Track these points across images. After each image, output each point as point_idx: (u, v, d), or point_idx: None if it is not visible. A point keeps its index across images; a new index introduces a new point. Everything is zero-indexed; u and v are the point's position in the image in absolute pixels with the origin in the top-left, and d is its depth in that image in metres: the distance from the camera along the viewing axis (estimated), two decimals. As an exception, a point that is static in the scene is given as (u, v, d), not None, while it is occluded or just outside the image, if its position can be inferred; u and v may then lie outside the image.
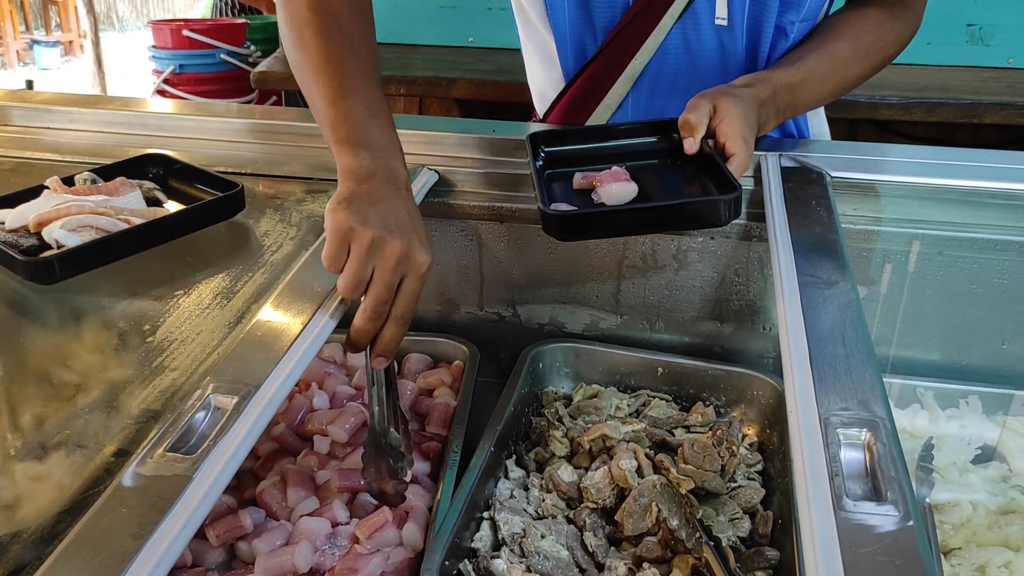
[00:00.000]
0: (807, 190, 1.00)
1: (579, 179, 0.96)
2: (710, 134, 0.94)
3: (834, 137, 1.32)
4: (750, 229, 1.09)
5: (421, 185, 1.09)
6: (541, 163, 1.02)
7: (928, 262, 1.07)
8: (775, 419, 1.01)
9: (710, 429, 0.99)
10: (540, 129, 1.06)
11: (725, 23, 1.10)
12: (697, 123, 0.92)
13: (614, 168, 0.95)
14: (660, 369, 1.11)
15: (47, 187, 0.95)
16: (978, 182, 1.07)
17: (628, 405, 1.06)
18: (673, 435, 1.00)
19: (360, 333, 0.77)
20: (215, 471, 0.58)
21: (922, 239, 1.07)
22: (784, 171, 1.04)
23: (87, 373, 0.79)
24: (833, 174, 1.06)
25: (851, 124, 1.98)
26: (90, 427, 0.71)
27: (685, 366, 1.10)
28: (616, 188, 0.91)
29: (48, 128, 1.27)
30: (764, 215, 0.96)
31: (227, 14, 3.96)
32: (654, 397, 1.09)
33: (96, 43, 5.73)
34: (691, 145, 0.93)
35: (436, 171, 1.15)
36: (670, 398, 1.09)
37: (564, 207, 0.90)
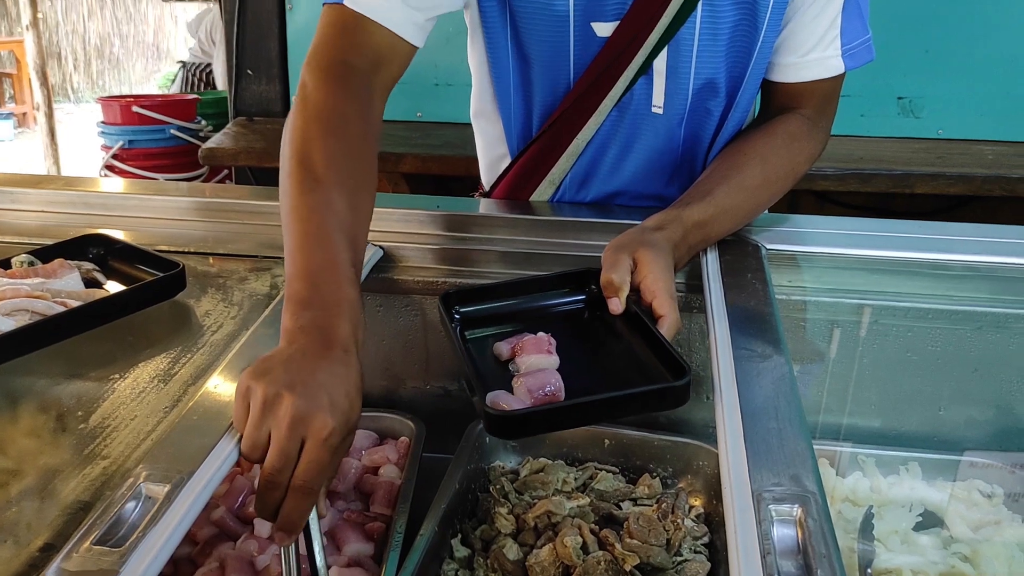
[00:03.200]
0: (743, 262, 1.03)
1: (503, 349, 0.90)
2: (633, 288, 0.90)
3: (775, 207, 1.36)
4: (690, 301, 1.11)
5: (367, 260, 1.09)
6: (458, 326, 0.95)
7: (863, 331, 1.10)
8: (721, 489, 1.01)
9: (656, 501, 0.99)
10: (452, 289, 0.98)
11: (661, 111, 1.14)
12: (620, 283, 0.89)
13: (539, 335, 0.89)
14: (607, 441, 1.11)
15: (-19, 271, 0.94)
16: (910, 253, 1.10)
17: (575, 479, 1.06)
18: (620, 508, 1.00)
19: (259, 504, 0.69)
20: (143, 565, 0.56)
21: (856, 309, 1.09)
22: (721, 244, 1.07)
23: (20, 459, 0.77)
24: (769, 246, 1.09)
25: (791, 195, 2.04)
26: (21, 518, 0.70)
27: (631, 437, 1.10)
28: (536, 360, 0.86)
29: (-13, 208, 1.26)
30: (701, 287, 0.98)
31: (195, 84, 4.00)
32: (601, 469, 1.09)
33: (49, 115, 5.72)
34: (616, 306, 0.89)
35: (381, 247, 1.15)
36: (617, 470, 1.09)
37: (502, 398, 0.81)
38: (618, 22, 1.08)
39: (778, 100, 1.18)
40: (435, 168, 2.15)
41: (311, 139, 0.92)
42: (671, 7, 1.05)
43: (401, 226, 1.18)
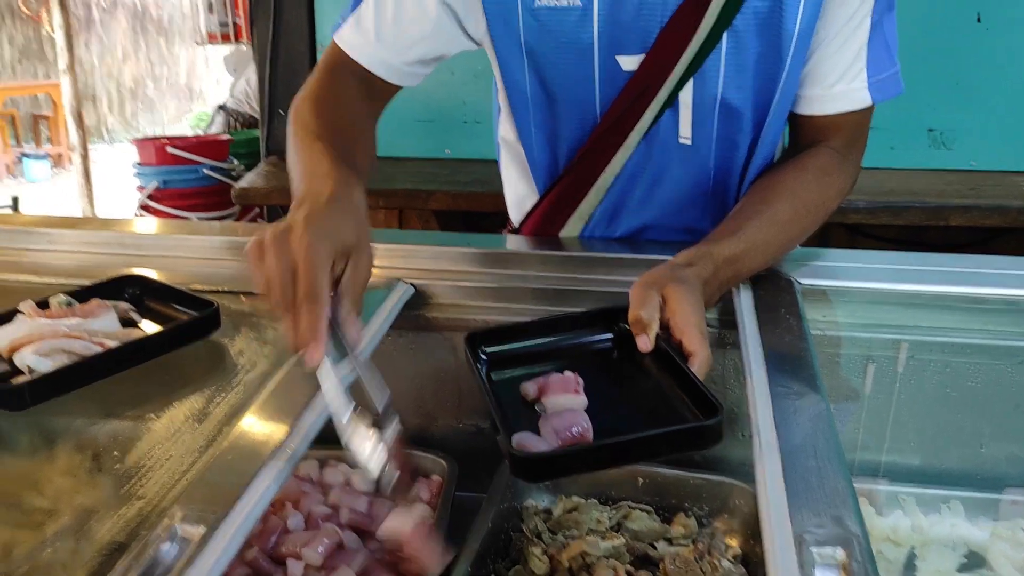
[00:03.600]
0: (777, 298, 1.02)
1: (529, 390, 0.89)
2: (663, 325, 0.89)
3: (806, 242, 1.35)
4: (723, 337, 1.10)
5: (397, 299, 1.10)
6: (484, 367, 0.95)
7: (900, 367, 1.08)
8: (758, 529, 0.99)
9: (692, 541, 0.98)
10: (478, 329, 0.99)
11: (689, 142, 1.14)
12: (649, 320, 0.87)
13: (565, 375, 0.88)
14: (641, 479, 1.10)
15: (21, 311, 0.95)
16: (945, 287, 1.09)
17: (609, 518, 1.05)
18: (655, 548, 0.98)
19: (286, 333, 0.75)
20: (178, 607, 0.56)
21: (893, 344, 1.08)
22: (753, 279, 1.06)
23: (56, 499, 0.78)
24: (802, 281, 1.08)
25: (823, 228, 2.03)
26: (57, 558, 0.70)
27: (666, 476, 1.09)
28: (563, 400, 0.85)
29: (29, 250, 1.28)
30: (735, 323, 0.97)
31: (234, 125, 4.07)
32: (635, 508, 1.07)
33: (84, 156, 5.83)
34: (645, 343, 0.88)
35: (413, 284, 1.16)
36: (651, 509, 1.08)
37: (528, 440, 0.81)
38: (643, 55, 1.08)
39: (807, 134, 1.17)
40: (464, 205, 2.17)
41: (306, 109, 1.07)
42: (696, 39, 1.06)
43: (432, 264, 1.18)
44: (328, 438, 0.76)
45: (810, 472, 0.66)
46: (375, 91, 1.18)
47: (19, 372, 0.87)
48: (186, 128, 11.81)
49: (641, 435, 0.78)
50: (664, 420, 0.82)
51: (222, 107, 4.57)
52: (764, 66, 1.09)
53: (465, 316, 1.16)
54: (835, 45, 1.09)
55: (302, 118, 1.05)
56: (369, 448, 0.73)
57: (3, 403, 0.83)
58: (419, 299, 1.16)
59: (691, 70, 1.08)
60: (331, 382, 0.75)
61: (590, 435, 0.81)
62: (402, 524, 0.76)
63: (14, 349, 0.87)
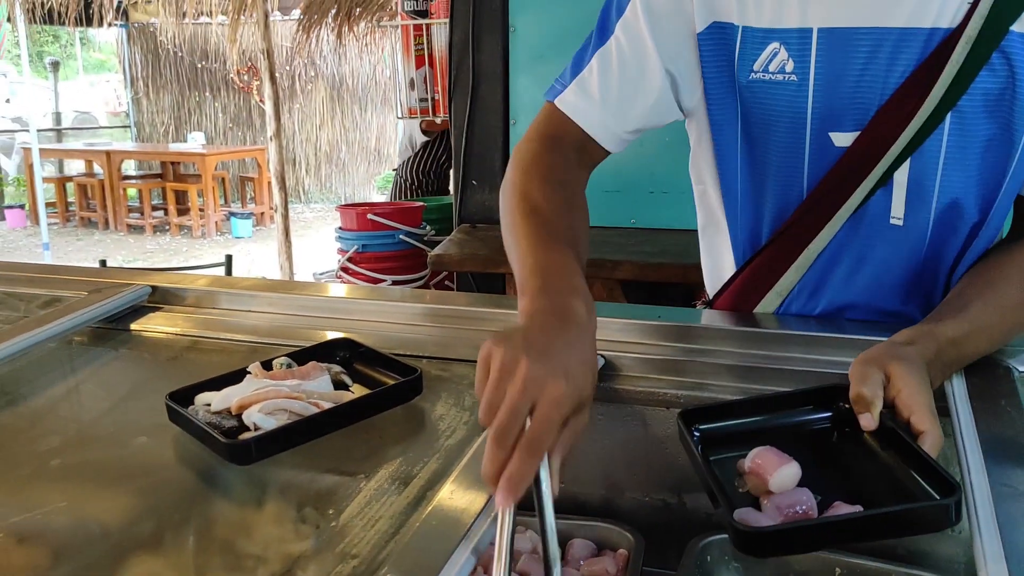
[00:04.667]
0: (994, 387, 0.96)
1: (743, 467, 0.87)
2: (888, 404, 0.86)
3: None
4: (933, 424, 1.05)
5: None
6: (699, 444, 0.92)
7: None
8: (970, 635, 0.93)
9: (896, 642, 0.92)
10: (690, 408, 0.96)
11: (901, 223, 1.10)
12: (873, 397, 0.84)
13: (768, 448, 0.85)
14: (838, 570, 1.04)
15: (249, 372, 1.04)
16: None
17: (803, 608, 1.01)
18: (854, 645, 0.93)
19: (487, 463, 0.70)
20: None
21: None
22: (966, 366, 1.00)
23: (267, 548, 0.83)
24: (1021, 368, 1.01)
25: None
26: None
27: (866, 568, 1.03)
28: (780, 474, 0.82)
29: (249, 311, 1.39)
30: (948, 411, 0.92)
31: (406, 192, 4.28)
32: (832, 600, 1.02)
33: (285, 216, 6.27)
34: (869, 422, 0.84)
35: (603, 355, 1.17)
36: (849, 602, 1.02)
37: (750, 515, 0.80)
38: (858, 132, 1.06)
39: None
40: (652, 275, 2.17)
41: (528, 180, 1.06)
42: (916, 119, 1.02)
43: (622, 335, 1.19)
44: (520, 504, 0.77)
45: (1044, 584, 0.61)
46: (588, 157, 1.18)
47: (246, 428, 0.95)
48: (373, 189, 12.48)
49: (874, 512, 0.76)
50: (895, 499, 0.79)
51: (395, 170, 4.83)
52: (992, 149, 1.05)
53: (656, 389, 1.15)
54: None
55: (529, 193, 1.03)
56: None
57: (232, 457, 0.91)
58: (609, 370, 1.17)
59: (908, 150, 1.05)
60: (506, 530, 0.71)
61: (815, 512, 0.79)
62: None
63: (243, 408, 0.95)
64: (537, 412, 0.70)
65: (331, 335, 1.24)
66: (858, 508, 0.77)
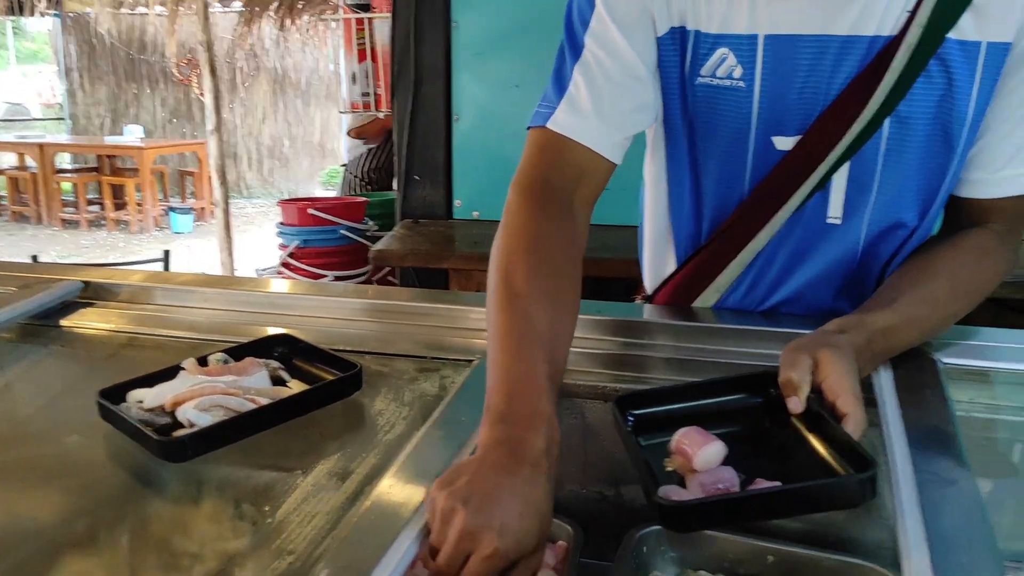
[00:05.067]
0: (919, 378, 0.99)
1: (670, 446, 0.90)
2: (814, 390, 0.88)
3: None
4: (861, 414, 1.08)
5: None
6: (631, 429, 0.95)
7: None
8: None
9: (826, 626, 0.94)
10: (626, 392, 0.99)
11: (839, 222, 1.13)
12: (800, 381, 0.87)
13: (693, 428, 0.89)
14: (770, 557, 1.07)
15: (183, 368, 1.02)
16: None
17: (737, 595, 1.03)
18: (786, 631, 0.95)
19: None
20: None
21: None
22: (893, 357, 1.03)
23: (203, 545, 0.82)
24: (945, 360, 1.04)
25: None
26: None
27: (798, 555, 1.05)
28: (704, 452, 0.85)
29: (186, 307, 1.37)
30: (875, 401, 0.94)
31: (356, 189, 4.25)
32: (765, 588, 1.05)
33: (226, 211, 6.16)
34: (796, 404, 0.87)
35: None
36: (782, 590, 1.05)
37: (674, 491, 0.83)
38: (800, 136, 1.08)
39: (967, 216, 1.14)
40: (592, 270, 2.16)
41: (513, 257, 0.98)
42: (857, 124, 1.04)
43: (563, 330, 1.20)
44: None
45: (963, 569, 0.63)
46: (590, 186, 1.12)
47: (180, 425, 0.93)
48: (317, 184, 12.35)
49: (792, 487, 0.79)
50: (814, 477, 0.81)
51: (344, 165, 4.79)
52: (930, 154, 1.07)
53: (595, 383, 1.17)
54: (1004, 130, 1.06)
55: (510, 276, 0.96)
56: None
57: (166, 455, 0.90)
58: (549, 365, 1.18)
59: (848, 154, 1.07)
60: None
61: (737, 489, 0.82)
62: None
63: (177, 404, 0.94)
64: (469, 566, 0.71)
65: (272, 331, 1.23)
66: (777, 484, 0.80)
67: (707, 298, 1.23)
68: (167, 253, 4.92)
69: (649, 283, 1.35)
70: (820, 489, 0.77)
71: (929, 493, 0.74)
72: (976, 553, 0.65)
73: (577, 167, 1.10)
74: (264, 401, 0.97)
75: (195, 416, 0.92)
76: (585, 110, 1.09)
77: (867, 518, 1.12)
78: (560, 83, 1.12)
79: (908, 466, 0.78)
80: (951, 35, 1.01)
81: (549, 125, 1.10)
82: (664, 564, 1.10)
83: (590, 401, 1.18)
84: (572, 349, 1.17)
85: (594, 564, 1.11)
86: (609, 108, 1.10)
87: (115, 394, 0.98)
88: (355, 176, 4.43)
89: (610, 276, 2.18)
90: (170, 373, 1.02)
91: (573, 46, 1.12)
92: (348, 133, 4.31)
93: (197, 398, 0.94)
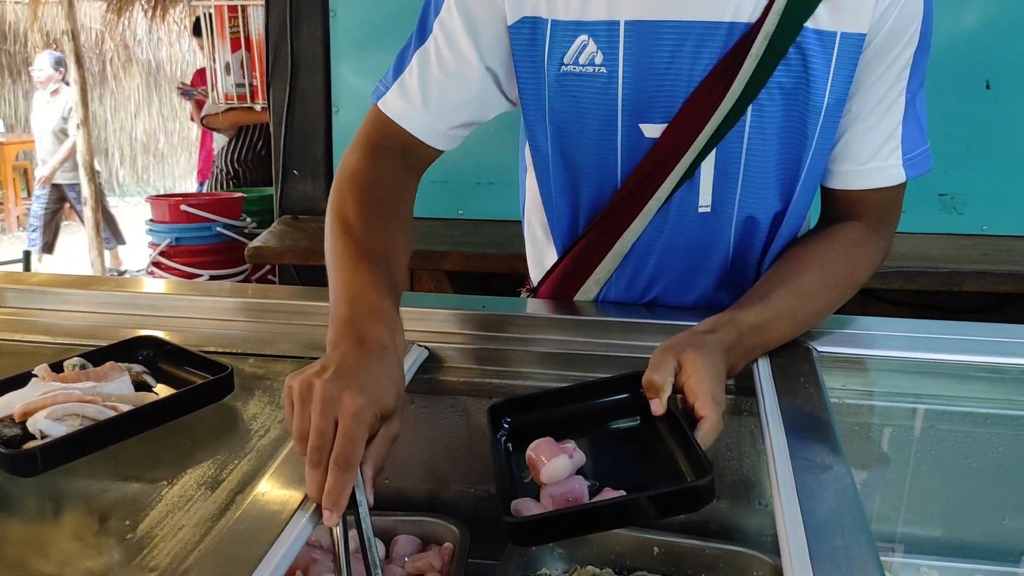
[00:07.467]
0: (795, 366, 1.01)
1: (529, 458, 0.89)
2: (678, 390, 0.89)
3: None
4: (740, 403, 1.09)
5: (412, 362, 1.09)
6: (504, 436, 0.95)
7: (920, 437, 1.07)
8: (778, 604, 0.98)
9: (710, 615, 0.96)
10: (498, 401, 0.99)
11: (709, 210, 1.14)
12: (662, 383, 0.88)
13: (544, 439, 0.88)
14: (656, 548, 1.08)
15: (35, 375, 0.95)
16: (964, 356, 1.08)
17: (624, 589, 1.03)
18: (672, 621, 0.96)
19: (308, 487, 0.75)
20: None
21: (911, 413, 1.07)
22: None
23: (64, 565, 0.77)
24: (820, 348, 1.07)
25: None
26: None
27: (682, 546, 1.07)
28: (553, 464, 0.84)
29: (42, 310, 1.28)
30: (753, 389, 0.96)
31: (223, 183, 4.10)
32: (650, 579, 1.05)
33: (96, 209, 5.87)
34: (657, 407, 0.88)
35: (427, 348, 1.15)
36: (667, 580, 1.06)
37: (525, 505, 0.82)
38: (667, 124, 1.09)
39: (838, 208, 1.17)
40: (478, 266, 2.16)
41: (346, 196, 1.06)
42: (720, 111, 1.06)
43: (446, 327, 1.18)
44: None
45: (838, 553, 0.64)
46: (418, 158, 1.18)
47: (31, 437, 0.86)
48: (195, 182, 11.93)
49: (629, 498, 0.79)
50: (660, 483, 0.82)
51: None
52: (789, 141, 1.10)
53: (479, 380, 1.15)
54: (870, 122, 1.10)
55: (344, 212, 1.04)
56: None
57: (15, 469, 0.83)
58: (432, 362, 1.15)
59: (713, 141, 1.09)
60: (340, 544, 0.75)
61: (585, 499, 0.82)
62: None
63: (27, 414, 0.87)
64: (340, 428, 0.74)
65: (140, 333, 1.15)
66: (622, 493, 0.80)
67: (588, 290, 1.23)
68: (27, 254, 4.65)
69: (534, 276, 1.35)
70: (658, 499, 0.78)
71: (804, 478, 0.75)
72: (850, 537, 0.66)
73: (403, 144, 1.16)
74: (126, 408, 0.90)
75: (47, 426, 0.85)
76: (413, 97, 1.13)
77: (748, 506, 1.14)
78: (399, 65, 1.16)
79: (785, 453, 0.79)
80: (809, 24, 1.03)
81: (379, 104, 1.16)
82: (552, 561, 1.09)
83: (473, 398, 1.16)
84: (454, 346, 1.16)
85: (482, 564, 1.09)
86: (437, 99, 1.13)
87: (-42, 405, 0.90)
88: (220, 170, 4.27)
89: (493, 271, 2.17)
90: (20, 381, 0.94)
91: (421, 31, 1.15)
92: (201, 121, 4.13)
93: (50, 407, 0.87)
